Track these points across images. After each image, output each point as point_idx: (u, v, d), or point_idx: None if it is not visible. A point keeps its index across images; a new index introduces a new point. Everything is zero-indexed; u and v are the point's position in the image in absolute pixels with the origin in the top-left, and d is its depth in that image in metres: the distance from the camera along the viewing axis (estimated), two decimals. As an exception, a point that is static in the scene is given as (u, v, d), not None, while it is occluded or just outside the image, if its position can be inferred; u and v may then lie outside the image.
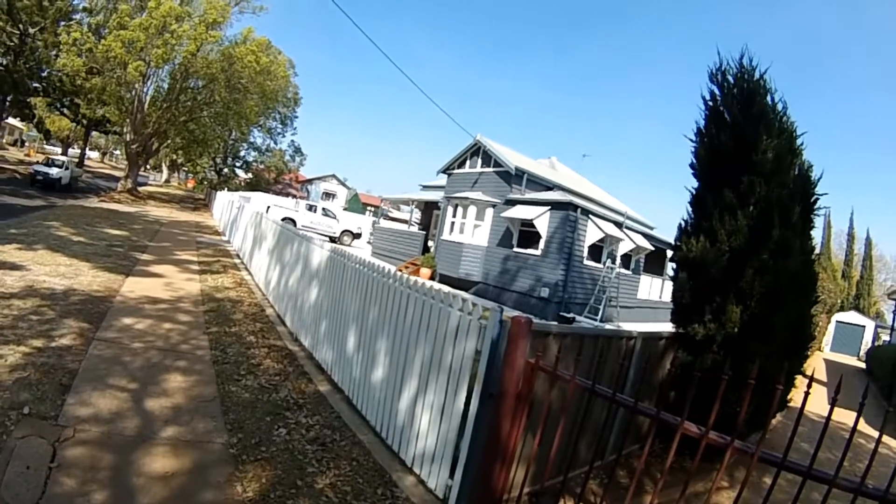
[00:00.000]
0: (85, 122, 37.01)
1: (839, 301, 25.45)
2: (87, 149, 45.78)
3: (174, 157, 47.54)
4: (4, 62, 25.49)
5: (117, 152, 69.02)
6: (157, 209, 23.41)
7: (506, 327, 3.07)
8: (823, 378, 13.54)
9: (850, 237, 35.12)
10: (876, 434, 1.98)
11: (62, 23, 25.16)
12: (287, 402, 4.44)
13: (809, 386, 1.98)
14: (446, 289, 3.69)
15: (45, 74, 28.80)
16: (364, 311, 4.57)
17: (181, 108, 27.15)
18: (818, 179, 5.17)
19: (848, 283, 33.38)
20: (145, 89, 25.92)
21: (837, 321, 25.94)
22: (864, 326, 25.96)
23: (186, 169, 51.00)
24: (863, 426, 2.13)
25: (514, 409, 2.95)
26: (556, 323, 11.21)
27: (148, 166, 48.88)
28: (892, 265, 42.98)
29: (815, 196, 5.15)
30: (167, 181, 56.10)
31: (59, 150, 48.54)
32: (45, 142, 52.56)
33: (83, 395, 3.79)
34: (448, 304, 3.49)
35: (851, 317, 26.86)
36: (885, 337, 22.89)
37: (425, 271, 17.95)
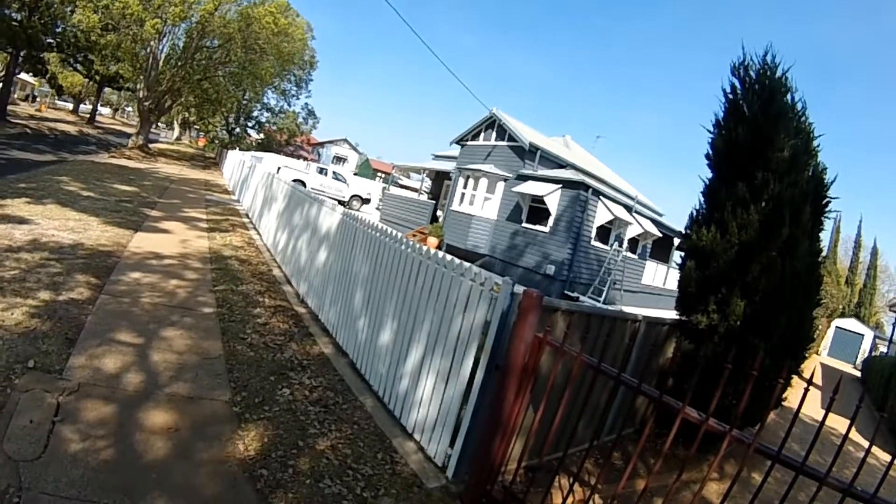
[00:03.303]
0: (98, 78, 36.62)
1: (840, 307, 25.31)
2: (98, 105, 45.47)
3: (186, 115, 47.13)
4: (19, 17, 25.06)
5: (129, 109, 68.58)
6: (167, 166, 23.35)
7: (516, 300, 3.05)
8: (819, 382, 13.58)
9: (857, 244, 34.71)
10: (865, 443, 1.98)
11: (79, -22, 24.64)
12: (291, 362, 4.48)
13: (808, 386, 1.98)
14: (457, 260, 3.67)
15: (59, 30, 28.25)
16: (373, 276, 4.57)
17: (196, 66, 26.80)
18: (831, 182, 5.15)
19: (851, 289, 33.15)
20: (160, 47, 25.58)
21: (837, 326, 25.96)
22: (862, 335, 25.97)
23: (198, 127, 50.61)
24: (853, 434, 2.14)
25: (519, 382, 2.94)
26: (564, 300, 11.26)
27: (160, 124, 48.64)
28: (897, 277, 42.50)
29: (827, 199, 5.15)
30: (178, 139, 55.86)
31: (71, 106, 48.29)
32: (56, 97, 52.27)
33: (89, 349, 3.81)
34: (460, 274, 3.48)
35: (851, 324, 26.82)
36: (882, 348, 22.86)
37: (433, 241, 17.93)
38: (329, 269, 5.67)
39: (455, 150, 20.81)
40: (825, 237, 5.61)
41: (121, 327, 4.35)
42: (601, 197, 15.42)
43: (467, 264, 3.57)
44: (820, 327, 16.60)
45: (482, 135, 18.87)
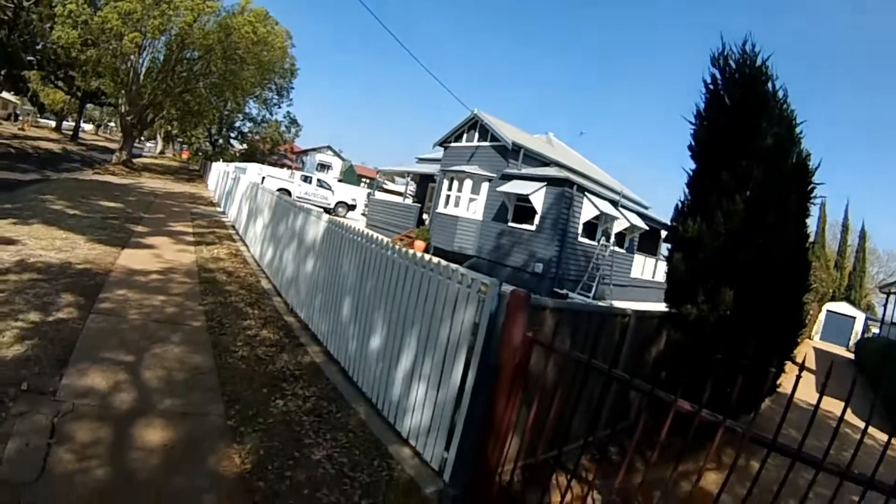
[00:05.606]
0: (80, 94, 36.57)
1: (831, 291, 25.35)
2: (81, 121, 45.10)
3: (169, 128, 46.84)
4: (-1, 37, 24.88)
5: (112, 124, 68.08)
6: (151, 181, 23.17)
7: (504, 300, 3.05)
8: (812, 366, 13.70)
9: (845, 228, 34.91)
10: (861, 424, 1.98)
11: (57, -6, 24.30)
12: (283, 373, 4.46)
13: (801, 373, 1.99)
14: (444, 262, 3.66)
15: (39, 47, 28.03)
16: (361, 283, 4.55)
17: (177, 79, 26.68)
18: (815, 168, 5.14)
19: (840, 273, 33.37)
20: (141, 60, 25.43)
21: (828, 310, 26.04)
22: (854, 318, 26.05)
23: (181, 140, 50.31)
24: (850, 416, 2.14)
25: (510, 382, 2.95)
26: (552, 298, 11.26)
27: (143, 137, 48.28)
28: (885, 259, 43.01)
29: (812, 184, 5.14)
30: (162, 152, 55.49)
31: (53, 124, 47.86)
32: (38, 115, 51.73)
33: (81, 368, 3.78)
34: (447, 277, 3.47)
35: (842, 307, 26.92)
36: (874, 329, 22.89)
37: (419, 244, 17.97)
38: (317, 278, 5.65)
39: (439, 153, 20.84)
40: (812, 222, 5.66)
41: (111, 346, 4.31)
42: (586, 193, 15.46)
43: (454, 266, 3.58)
44: (811, 312, 16.67)
45: (465, 136, 18.87)
